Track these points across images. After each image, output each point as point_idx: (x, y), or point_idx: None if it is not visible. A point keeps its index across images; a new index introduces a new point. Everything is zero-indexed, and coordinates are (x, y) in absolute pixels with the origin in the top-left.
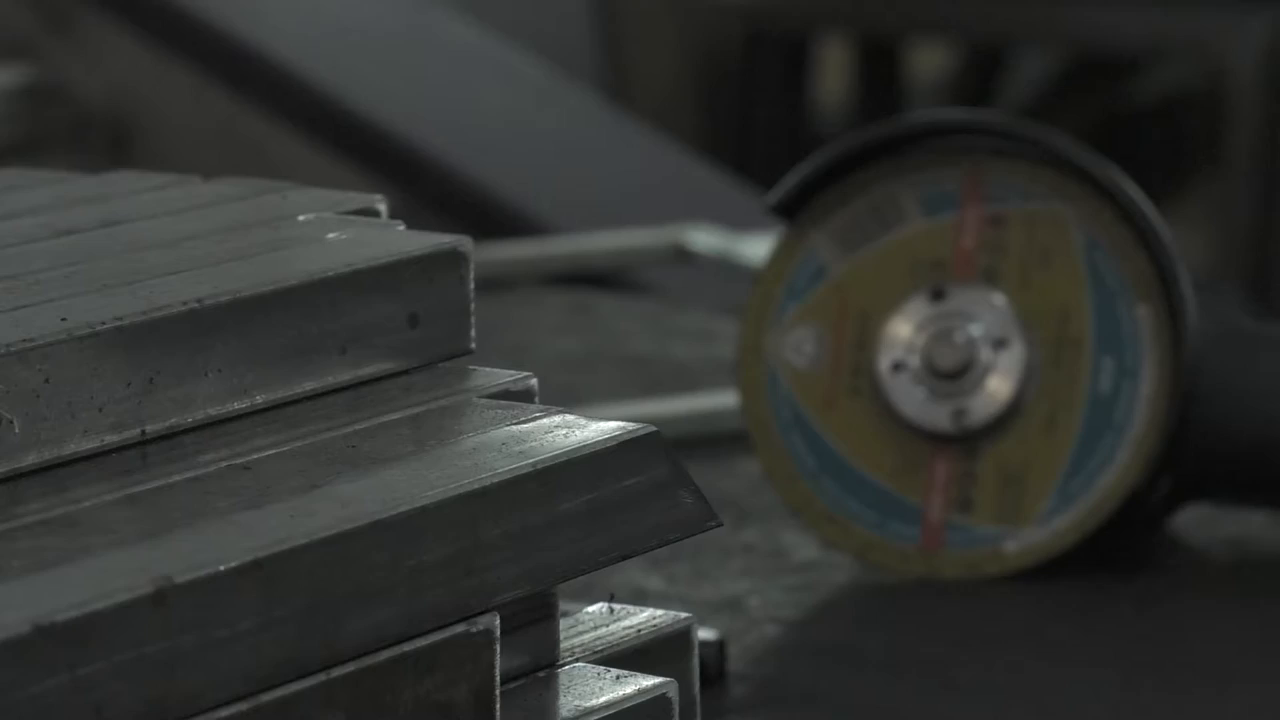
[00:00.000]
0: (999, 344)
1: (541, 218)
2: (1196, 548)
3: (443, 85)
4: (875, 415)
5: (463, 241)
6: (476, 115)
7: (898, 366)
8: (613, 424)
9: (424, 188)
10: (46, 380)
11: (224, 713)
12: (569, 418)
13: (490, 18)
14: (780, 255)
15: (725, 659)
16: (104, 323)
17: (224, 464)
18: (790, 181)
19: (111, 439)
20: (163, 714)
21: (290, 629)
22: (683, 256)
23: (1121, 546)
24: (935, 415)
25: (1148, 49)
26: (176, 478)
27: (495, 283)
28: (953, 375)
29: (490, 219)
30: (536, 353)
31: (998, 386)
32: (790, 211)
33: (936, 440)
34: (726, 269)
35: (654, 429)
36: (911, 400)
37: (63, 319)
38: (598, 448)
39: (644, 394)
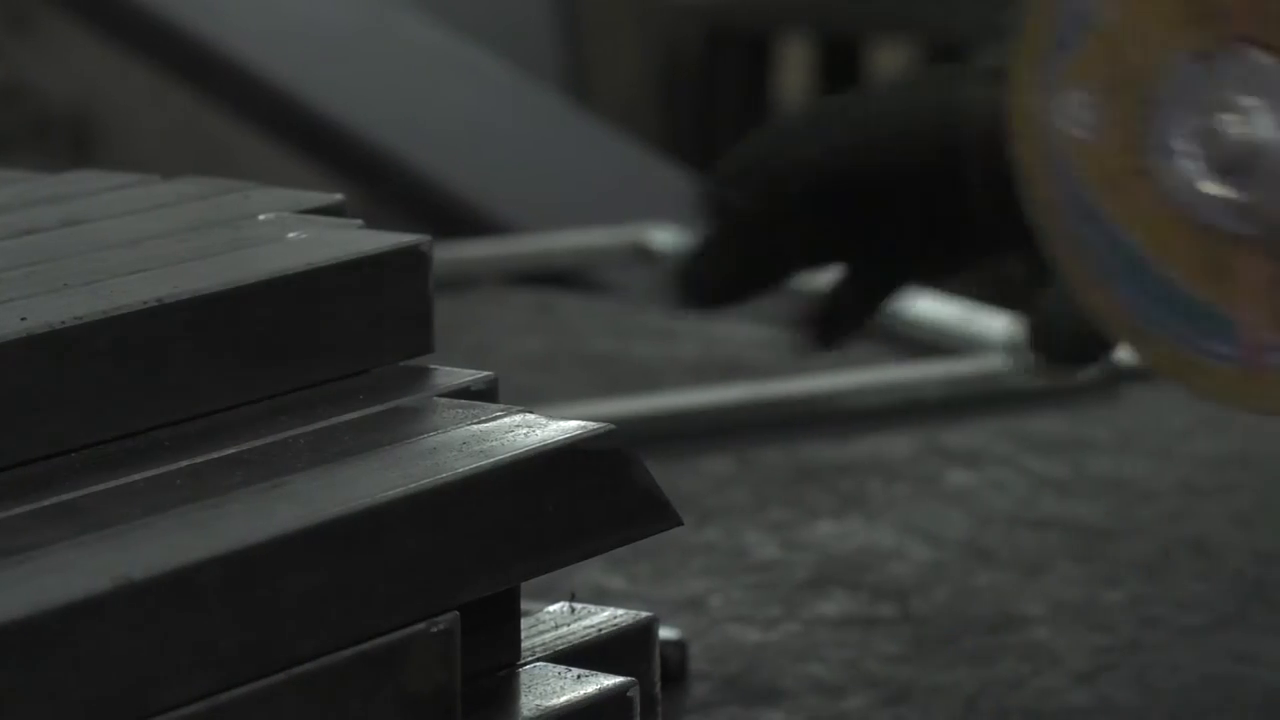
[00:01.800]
0: None
1: (503, 217)
2: None
3: (405, 85)
4: (1165, 204)
5: (423, 241)
6: (439, 115)
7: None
8: (573, 423)
9: (386, 187)
10: (5, 380)
11: (184, 711)
12: (529, 417)
13: (453, 18)
14: None
15: (687, 658)
16: (64, 322)
17: (184, 463)
18: None
19: (71, 439)
20: (123, 712)
21: (250, 628)
22: (644, 256)
23: None
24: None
25: None
26: (136, 476)
27: (457, 282)
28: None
29: (452, 218)
30: (498, 352)
31: None
32: None
33: (1240, 240)
34: None
35: (615, 428)
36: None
37: (23, 318)
38: (558, 447)
39: (605, 393)
